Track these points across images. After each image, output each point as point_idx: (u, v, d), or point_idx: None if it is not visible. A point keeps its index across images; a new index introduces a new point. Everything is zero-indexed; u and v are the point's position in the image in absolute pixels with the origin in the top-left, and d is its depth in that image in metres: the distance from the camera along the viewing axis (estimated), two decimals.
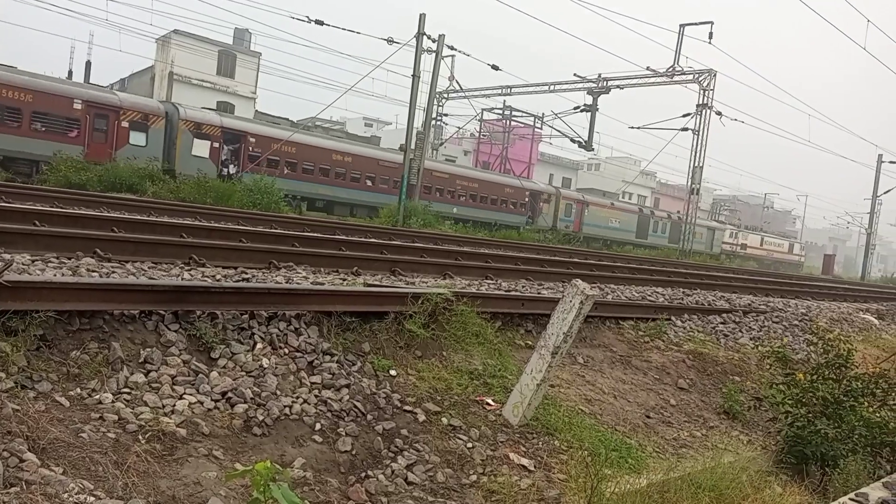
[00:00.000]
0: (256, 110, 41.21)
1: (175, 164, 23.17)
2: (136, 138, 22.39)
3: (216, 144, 24.40)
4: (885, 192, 47.19)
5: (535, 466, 4.31)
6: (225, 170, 24.80)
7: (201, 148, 23.88)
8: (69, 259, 5.76)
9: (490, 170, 41.78)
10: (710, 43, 29.46)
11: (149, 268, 5.99)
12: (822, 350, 6.52)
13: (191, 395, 3.68)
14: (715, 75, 31.96)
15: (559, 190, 39.23)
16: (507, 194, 34.71)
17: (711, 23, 29.62)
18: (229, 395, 3.79)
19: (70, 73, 44.72)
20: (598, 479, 3.81)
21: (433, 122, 34.47)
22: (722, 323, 9.15)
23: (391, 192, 27.29)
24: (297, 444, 3.71)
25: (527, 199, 35.90)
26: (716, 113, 32.58)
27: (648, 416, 5.85)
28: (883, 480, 4.55)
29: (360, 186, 28.09)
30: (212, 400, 3.71)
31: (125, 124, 22.11)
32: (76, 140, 21.18)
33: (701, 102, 32.43)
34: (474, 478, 4.03)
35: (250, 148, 25.12)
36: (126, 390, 3.55)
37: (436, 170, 31.51)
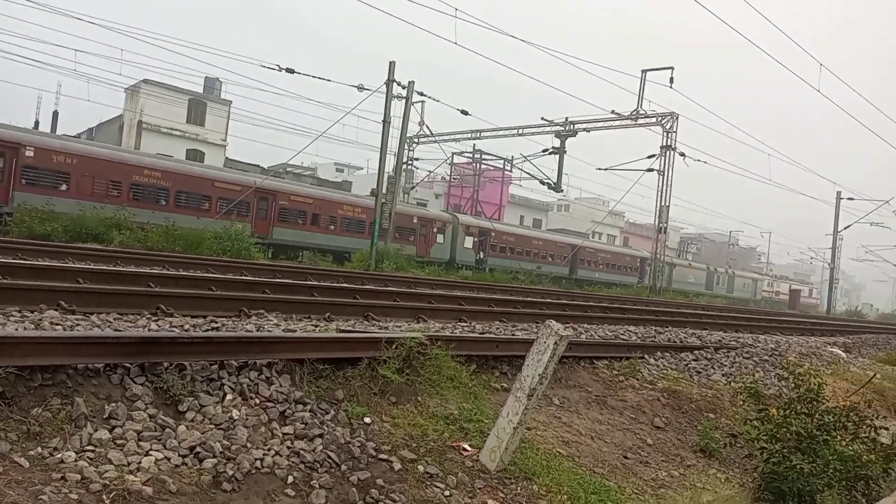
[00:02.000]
0: (227, 157, 41.14)
1: (455, 253, 34.90)
2: (439, 238, 34.42)
3: (475, 239, 36.14)
4: (845, 228, 48.67)
5: None
6: (478, 255, 35.66)
7: (468, 242, 35.47)
8: (32, 312, 5.60)
9: (613, 244, 53.16)
10: (671, 87, 30.48)
11: (114, 319, 5.84)
12: (793, 385, 6.59)
13: (157, 450, 3.56)
14: (677, 118, 32.97)
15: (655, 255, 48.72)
16: (627, 261, 46.31)
17: (672, 68, 30.70)
18: (198, 449, 3.67)
19: (37, 123, 44.29)
20: None
21: (404, 166, 35.02)
22: (694, 360, 9.21)
23: (556, 264, 40.00)
24: (269, 499, 3.59)
25: (638, 264, 46.90)
26: (679, 154, 33.51)
27: (626, 457, 5.81)
28: None
29: (540, 260, 39.72)
30: (179, 455, 3.59)
31: (434, 230, 34.47)
32: (412, 242, 32.58)
33: (664, 144, 33.34)
34: None
35: (492, 240, 37.01)
36: (90, 448, 3.42)
37: (588, 246, 43.52)
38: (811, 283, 79.94)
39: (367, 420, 4.67)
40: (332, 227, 29.23)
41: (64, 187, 22.21)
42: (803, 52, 23.83)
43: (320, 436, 4.22)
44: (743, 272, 62.75)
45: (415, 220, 33.00)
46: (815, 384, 6.38)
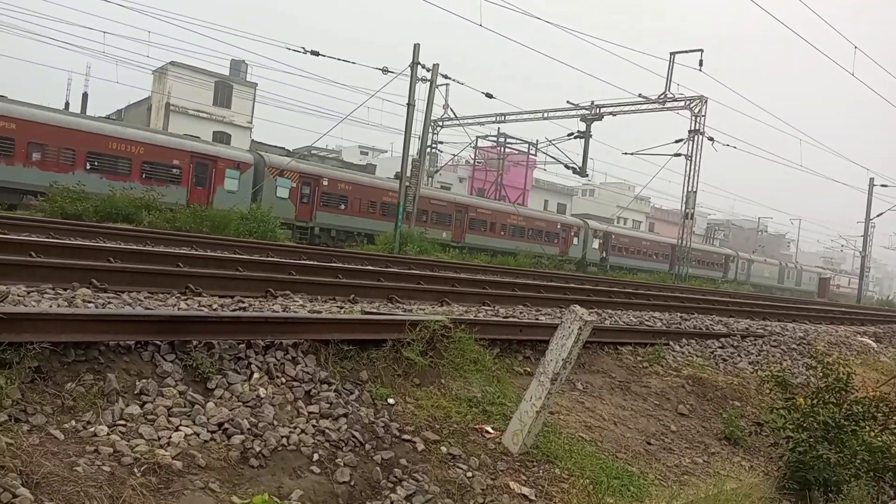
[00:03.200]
0: (252, 139, 41.45)
1: (586, 253, 41.27)
2: (574, 240, 41.12)
3: (600, 241, 43.21)
4: (877, 216, 47.57)
5: (535, 495, 4.25)
6: (602, 254, 42.99)
7: (595, 243, 42.69)
8: (65, 290, 5.72)
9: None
10: (700, 70, 29.90)
11: (145, 297, 5.94)
12: (821, 374, 6.49)
13: (187, 426, 3.64)
14: (706, 102, 32.37)
15: (738, 253, 56.92)
16: (714, 258, 52.65)
17: (701, 51, 30.12)
18: (226, 425, 3.74)
19: (67, 104, 45.03)
20: None
21: (428, 149, 34.98)
22: (720, 347, 9.12)
23: (659, 262, 46.65)
24: (295, 476, 3.66)
25: (723, 261, 53.63)
26: (708, 139, 32.94)
27: (649, 443, 5.79)
28: None
29: (648, 258, 46.80)
30: (208, 431, 3.67)
31: (572, 234, 41.03)
32: (556, 244, 39.55)
33: (693, 128, 32.78)
34: None
35: (612, 241, 43.76)
36: (121, 422, 3.50)
37: (697, 248, 48.10)
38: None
39: (390, 401, 4.71)
40: (503, 233, 37.54)
41: (342, 207, 29.77)
42: (837, 34, 23.20)
43: (345, 415, 4.27)
44: (809, 266, 70.09)
45: (559, 226, 40.82)
46: (844, 374, 6.28)
